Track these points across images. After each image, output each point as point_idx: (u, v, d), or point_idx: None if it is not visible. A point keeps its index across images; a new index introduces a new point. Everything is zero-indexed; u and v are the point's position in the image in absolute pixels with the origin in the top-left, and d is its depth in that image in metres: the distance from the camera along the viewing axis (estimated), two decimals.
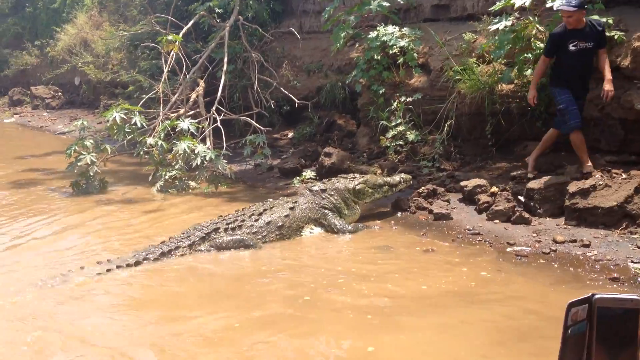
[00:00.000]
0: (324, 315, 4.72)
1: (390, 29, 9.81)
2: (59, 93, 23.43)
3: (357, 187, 7.21)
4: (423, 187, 7.71)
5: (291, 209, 6.75)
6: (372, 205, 7.74)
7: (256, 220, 6.49)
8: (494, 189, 7.17)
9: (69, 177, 9.70)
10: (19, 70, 25.32)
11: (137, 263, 5.73)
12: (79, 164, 9.28)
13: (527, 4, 7.41)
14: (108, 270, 5.53)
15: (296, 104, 11.65)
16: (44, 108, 23.01)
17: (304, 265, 5.97)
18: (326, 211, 6.95)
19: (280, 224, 6.56)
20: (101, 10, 21.14)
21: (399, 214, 7.42)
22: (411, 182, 7.75)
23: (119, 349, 4.18)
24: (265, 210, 6.67)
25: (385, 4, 9.97)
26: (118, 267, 5.61)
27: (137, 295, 5.42)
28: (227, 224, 6.40)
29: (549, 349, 3.82)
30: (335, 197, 7.08)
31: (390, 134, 9.31)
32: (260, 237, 6.41)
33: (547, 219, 6.60)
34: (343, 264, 5.93)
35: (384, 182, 7.46)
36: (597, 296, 1.18)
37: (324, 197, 7.05)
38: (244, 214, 6.60)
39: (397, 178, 7.60)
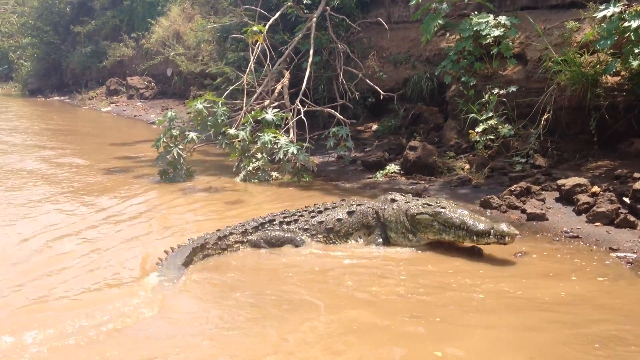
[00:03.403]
0: (394, 318, 4.45)
1: (485, 16, 9.31)
2: (152, 83, 24.38)
3: (417, 216, 5.85)
4: (515, 185, 7.24)
5: (349, 213, 6.20)
6: (458, 201, 7.34)
7: (312, 217, 6.20)
8: (596, 188, 6.61)
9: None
10: (116, 62, 26.60)
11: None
12: (167, 156, 9.46)
13: None
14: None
15: (381, 96, 11.38)
16: (138, 98, 24.02)
17: (379, 267, 5.66)
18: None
19: (330, 226, 6.13)
20: (193, 3, 21.74)
21: (487, 212, 6.99)
22: (512, 240, 5.45)
23: None
24: (326, 209, 6.28)
25: None
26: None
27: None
28: (285, 217, 6.18)
29: None
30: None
31: (481, 127, 8.85)
32: (309, 234, 6.11)
33: None
34: (423, 268, 5.56)
35: (464, 225, 5.59)
36: None
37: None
38: (306, 210, 6.32)
39: (491, 226, 5.50)
